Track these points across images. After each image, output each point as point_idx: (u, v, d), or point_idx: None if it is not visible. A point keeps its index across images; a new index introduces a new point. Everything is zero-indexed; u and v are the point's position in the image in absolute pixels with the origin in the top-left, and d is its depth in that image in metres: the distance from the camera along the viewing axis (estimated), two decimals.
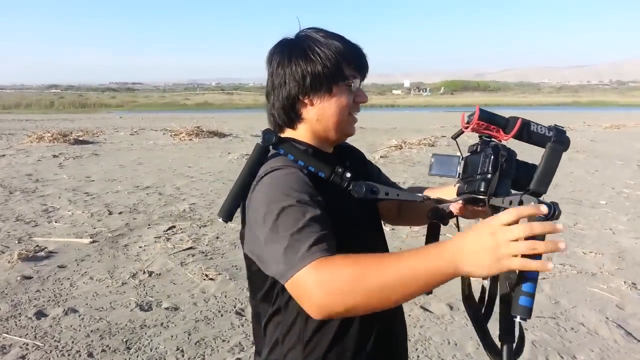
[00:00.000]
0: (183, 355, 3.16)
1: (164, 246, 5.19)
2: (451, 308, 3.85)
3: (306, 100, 1.20)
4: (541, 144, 1.06)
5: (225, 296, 4.02)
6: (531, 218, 0.87)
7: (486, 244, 0.85)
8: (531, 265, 0.84)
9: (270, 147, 1.19)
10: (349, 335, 1.17)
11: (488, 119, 1.10)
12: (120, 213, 6.54)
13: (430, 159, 1.23)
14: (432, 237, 1.29)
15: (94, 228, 5.84)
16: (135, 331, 3.45)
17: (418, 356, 3.19)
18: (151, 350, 3.21)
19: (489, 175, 1.04)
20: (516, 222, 0.85)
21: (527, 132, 1.08)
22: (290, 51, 1.20)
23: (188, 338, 3.37)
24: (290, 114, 1.22)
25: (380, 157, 11.80)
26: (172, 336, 3.39)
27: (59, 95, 78.29)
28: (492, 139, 1.12)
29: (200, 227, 5.90)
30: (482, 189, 1.05)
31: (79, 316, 3.65)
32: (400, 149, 13.30)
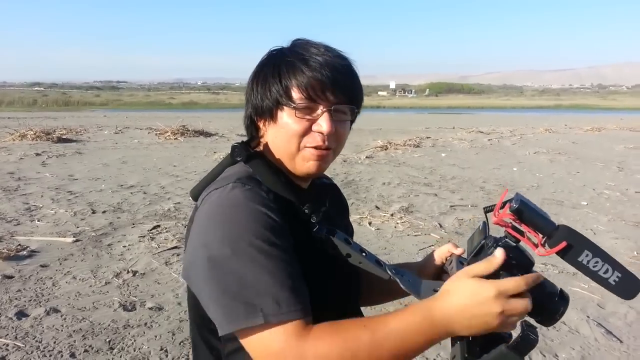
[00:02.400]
0: (167, 355, 3.14)
1: (149, 245, 5.14)
2: None
3: (260, 123, 1.10)
4: (592, 278, 0.87)
5: None
6: None
7: (490, 314, 0.81)
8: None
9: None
10: None
11: (524, 216, 0.88)
12: (104, 212, 6.47)
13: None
14: None
15: (77, 227, 5.77)
16: (118, 331, 3.42)
17: None
18: (135, 351, 3.18)
19: None
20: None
21: (572, 259, 0.86)
22: (259, 66, 1.10)
23: (172, 338, 3.35)
24: (252, 132, 1.13)
25: (366, 157, 11.84)
26: (156, 336, 3.37)
27: (42, 93, 77.21)
28: (519, 243, 0.89)
29: (185, 227, 5.86)
30: None
31: (61, 316, 3.60)
32: (385, 149, 13.36)
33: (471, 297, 0.82)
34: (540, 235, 0.88)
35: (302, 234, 0.98)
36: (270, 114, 1.05)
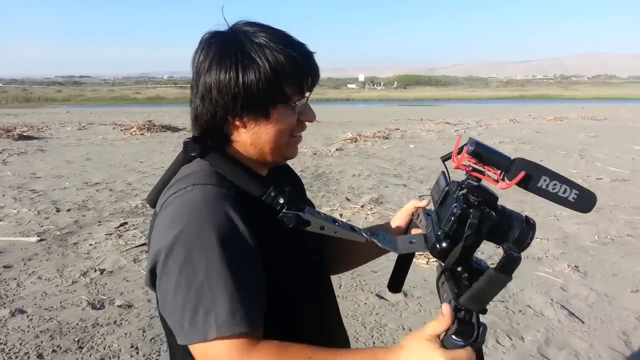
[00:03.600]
0: (138, 353, 3.11)
1: (116, 243, 5.06)
2: (405, 295, 3.95)
3: (237, 122, 0.99)
4: (553, 200, 0.93)
5: None
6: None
7: None
8: None
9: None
10: None
11: (481, 157, 0.93)
12: (68, 210, 6.32)
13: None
14: (401, 268, 1.21)
15: (41, 226, 5.62)
16: (87, 330, 3.36)
17: (374, 342, 3.26)
18: (104, 349, 3.14)
19: (444, 244, 0.91)
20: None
21: (533, 186, 0.92)
22: (220, 55, 0.96)
23: (143, 335, 3.31)
24: (216, 134, 1.02)
25: (336, 149, 11.88)
26: (126, 334, 3.33)
27: (1, 90, 74.58)
28: (480, 182, 0.94)
29: None
30: (434, 254, 0.94)
31: (27, 317, 3.52)
32: (355, 141, 13.43)
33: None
34: (499, 172, 0.92)
35: (268, 223, 0.97)
36: (264, 113, 0.98)
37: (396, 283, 1.22)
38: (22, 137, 13.59)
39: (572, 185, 0.92)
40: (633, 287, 4.12)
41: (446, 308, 0.85)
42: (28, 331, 3.33)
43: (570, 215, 6.19)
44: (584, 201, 0.93)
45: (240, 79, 0.94)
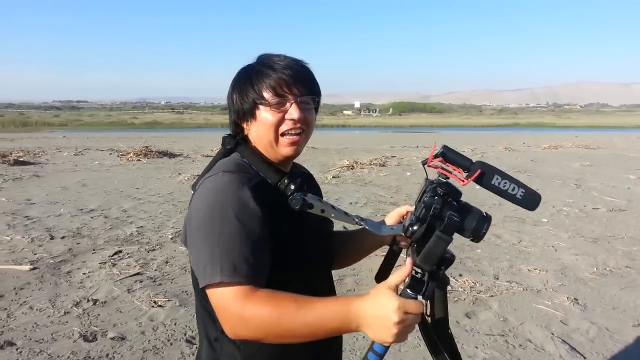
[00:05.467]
0: None
1: (110, 272, 4.98)
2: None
3: (243, 124, 1.33)
4: (504, 196, 1.13)
5: (175, 324, 3.89)
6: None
7: (389, 320, 1.01)
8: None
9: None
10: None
11: (447, 158, 1.15)
12: (62, 238, 6.24)
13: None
14: (389, 259, 1.41)
15: (35, 254, 5.54)
16: None
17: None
18: None
19: (415, 227, 1.14)
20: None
21: (487, 183, 1.12)
22: (234, 80, 1.34)
23: None
24: (238, 132, 1.36)
25: (333, 177, 11.89)
26: None
27: None
28: (448, 179, 1.16)
29: (148, 252, 5.71)
30: (407, 235, 1.17)
31: (17, 349, 3.43)
32: (352, 169, 13.45)
33: (379, 305, 1.03)
34: (464, 172, 1.13)
35: (281, 207, 1.20)
36: (251, 114, 1.29)
37: (383, 276, 1.39)
38: (17, 163, 13.54)
39: (520, 185, 1.13)
40: (634, 321, 4.07)
41: (409, 261, 1.08)
42: None
43: (568, 245, 6.18)
44: (529, 199, 1.14)
45: (237, 97, 1.31)
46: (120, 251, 5.67)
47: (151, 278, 4.85)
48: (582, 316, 4.16)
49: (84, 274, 4.95)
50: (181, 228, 1.20)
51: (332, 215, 1.20)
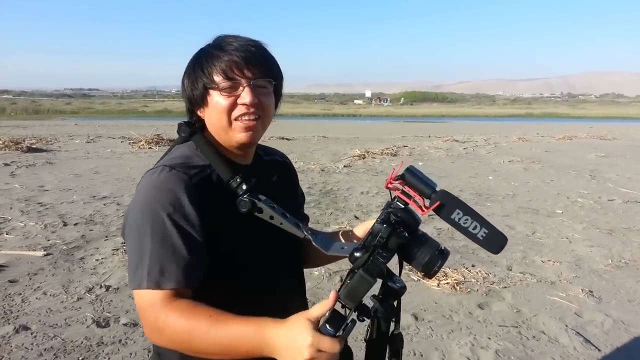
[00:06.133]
0: None
1: (122, 259, 5.00)
2: (416, 319, 3.86)
3: (197, 111, 1.27)
4: (464, 234, 1.04)
5: None
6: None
7: (300, 355, 0.95)
8: None
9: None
10: None
11: (407, 182, 1.05)
12: (75, 224, 6.29)
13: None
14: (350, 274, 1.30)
15: (48, 240, 5.59)
16: (91, 349, 3.30)
17: None
18: None
19: (358, 253, 1.02)
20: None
21: (446, 217, 1.03)
22: (187, 65, 1.27)
23: (148, 355, 3.24)
24: (193, 119, 1.29)
25: (344, 166, 11.84)
26: (131, 353, 3.26)
27: (11, 101, 75.35)
28: (407, 206, 1.06)
29: None
30: (350, 259, 1.05)
31: (31, 334, 3.46)
32: (363, 158, 13.38)
33: (292, 337, 0.97)
34: (425, 200, 1.04)
35: (228, 205, 1.15)
36: (202, 100, 1.22)
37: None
38: (30, 150, 13.65)
39: (484, 223, 1.02)
40: None
41: (332, 294, 0.99)
42: (32, 349, 3.27)
43: (583, 237, 6.10)
44: (493, 241, 1.03)
45: (187, 83, 1.24)
46: None
47: None
48: (597, 308, 4.11)
49: (97, 260, 4.99)
50: None
51: (281, 223, 1.13)
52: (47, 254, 5.10)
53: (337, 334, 0.96)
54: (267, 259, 1.28)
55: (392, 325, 1.12)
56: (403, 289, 1.08)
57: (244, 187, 1.14)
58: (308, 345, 0.94)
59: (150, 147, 14.97)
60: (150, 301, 1.07)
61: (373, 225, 1.04)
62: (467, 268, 4.87)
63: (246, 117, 1.20)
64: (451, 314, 3.95)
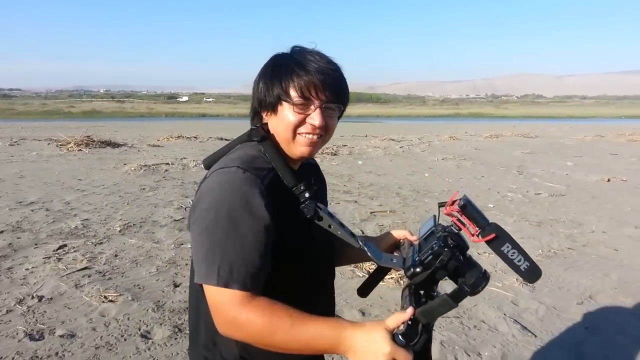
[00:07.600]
0: None
1: (55, 267, 4.73)
2: (363, 314, 3.92)
3: (263, 114, 1.31)
4: (508, 264, 1.15)
5: (128, 319, 3.74)
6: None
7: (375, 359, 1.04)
8: None
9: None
10: None
11: (465, 211, 1.15)
12: (1, 232, 5.86)
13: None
14: (376, 277, 1.44)
15: None
16: None
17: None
18: None
19: (418, 269, 1.12)
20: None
21: (496, 248, 1.14)
22: (264, 68, 1.31)
23: None
24: (256, 121, 1.34)
25: None
26: None
27: None
28: (460, 231, 1.17)
29: (95, 245, 5.47)
30: (407, 274, 1.15)
31: None
32: None
33: (371, 342, 1.05)
34: (477, 228, 1.14)
35: (293, 209, 1.20)
36: (273, 108, 1.27)
37: (366, 290, 1.45)
38: None
39: (526, 257, 1.15)
40: (578, 300, 4.29)
41: (410, 309, 1.07)
42: None
43: (514, 229, 6.42)
44: (531, 273, 1.16)
45: (263, 86, 1.28)
46: (65, 245, 5.40)
47: (100, 272, 4.65)
48: (531, 296, 4.34)
49: (27, 269, 4.68)
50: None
51: (339, 232, 1.22)
52: None
53: (410, 344, 1.06)
54: (321, 261, 1.38)
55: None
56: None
57: (307, 194, 1.21)
58: (386, 353, 1.03)
59: (80, 150, 14.24)
60: (228, 299, 1.11)
61: (430, 247, 1.13)
62: None
63: (310, 135, 1.26)
64: (396, 308, 4.01)
